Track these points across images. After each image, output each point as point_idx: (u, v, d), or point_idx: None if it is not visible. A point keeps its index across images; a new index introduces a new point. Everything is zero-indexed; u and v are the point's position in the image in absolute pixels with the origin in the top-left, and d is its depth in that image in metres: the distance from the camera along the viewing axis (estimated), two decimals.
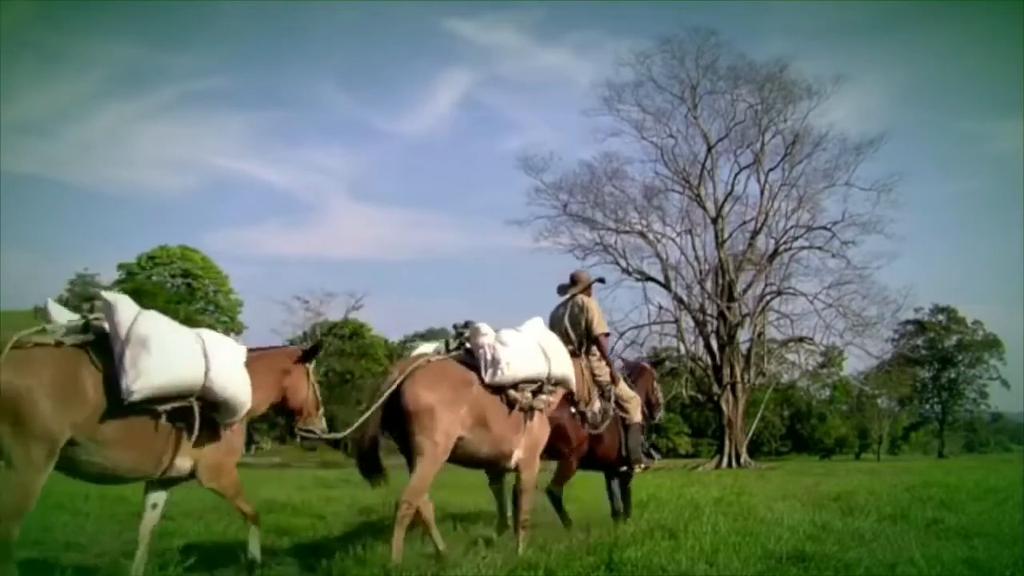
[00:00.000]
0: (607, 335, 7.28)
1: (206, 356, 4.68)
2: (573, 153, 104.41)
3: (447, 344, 5.96)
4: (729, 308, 37.03)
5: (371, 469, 5.61)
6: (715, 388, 37.06)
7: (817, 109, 37.53)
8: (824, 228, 37.84)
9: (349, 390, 44.11)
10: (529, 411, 5.88)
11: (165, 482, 5.01)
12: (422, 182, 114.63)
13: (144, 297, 53.46)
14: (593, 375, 6.97)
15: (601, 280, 8.08)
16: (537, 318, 6.53)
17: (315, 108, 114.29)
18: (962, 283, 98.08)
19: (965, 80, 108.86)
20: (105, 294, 4.69)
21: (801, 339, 38.65)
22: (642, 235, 38.67)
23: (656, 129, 38.81)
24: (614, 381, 7.16)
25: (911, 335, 59.50)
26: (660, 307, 38.35)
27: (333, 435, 5.85)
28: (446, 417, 5.37)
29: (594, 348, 7.06)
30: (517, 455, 5.91)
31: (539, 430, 6.04)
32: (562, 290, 7.35)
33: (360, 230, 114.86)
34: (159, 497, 5.11)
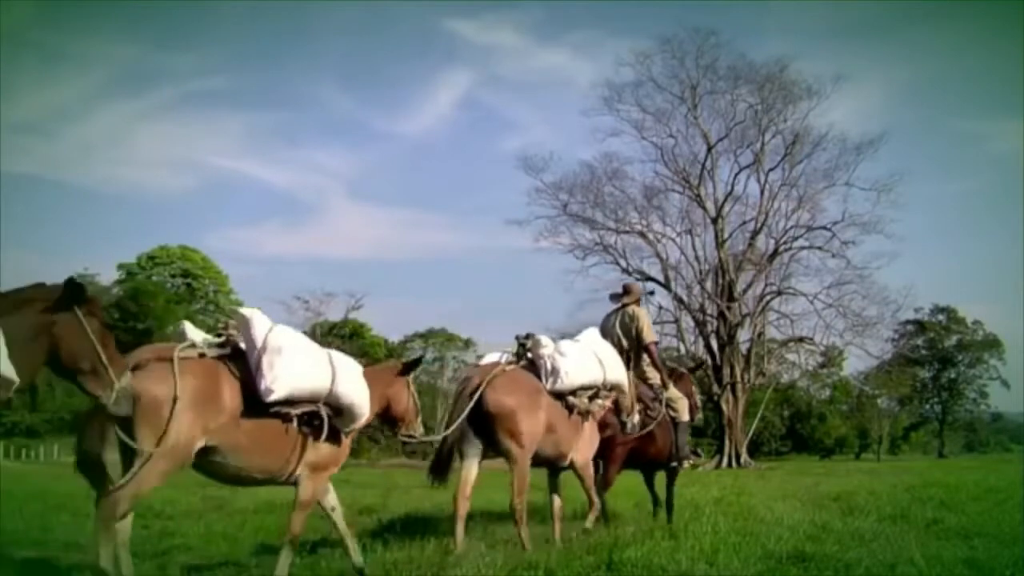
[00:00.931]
0: (656, 343, 7.91)
1: (332, 365, 5.01)
2: (573, 153, 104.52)
3: (517, 354, 6.46)
4: (729, 308, 37.04)
5: (441, 471, 6.20)
6: (715, 388, 37.06)
7: (817, 109, 37.67)
8: (824, 228, 37.91)
9: None
10: (584, 415, 6.42)
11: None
12: (422, 182, 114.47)
13: (144, 297, 53.58)
14: (645, 380, 7.55)
15: (651, 293, 8.72)
16: (592, 328, 7.16)
17: (315, 108, 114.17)
18: (962, 283, 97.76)
19: (965, 80, 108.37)
20: (242, 309, 5.00)
21: (801, 339, 38.69)
22: (642, 235, 38.73)
23: (656, 129, 38.93)
24: (664, 385, 7.70)
25: (911, 335, 59.49)
26: (660, 307, 38.36)
27: (431, 437, 6.15)
28: (528, 420, 5.94)
29: (644, 355, 7.66)
30: (572, 456, 6.48)
31: (591, 433, 6.62)
32: (614, 299, 8.02)
33: (360, 230, 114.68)
34: (332, 500, 5.45)
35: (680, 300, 38.13)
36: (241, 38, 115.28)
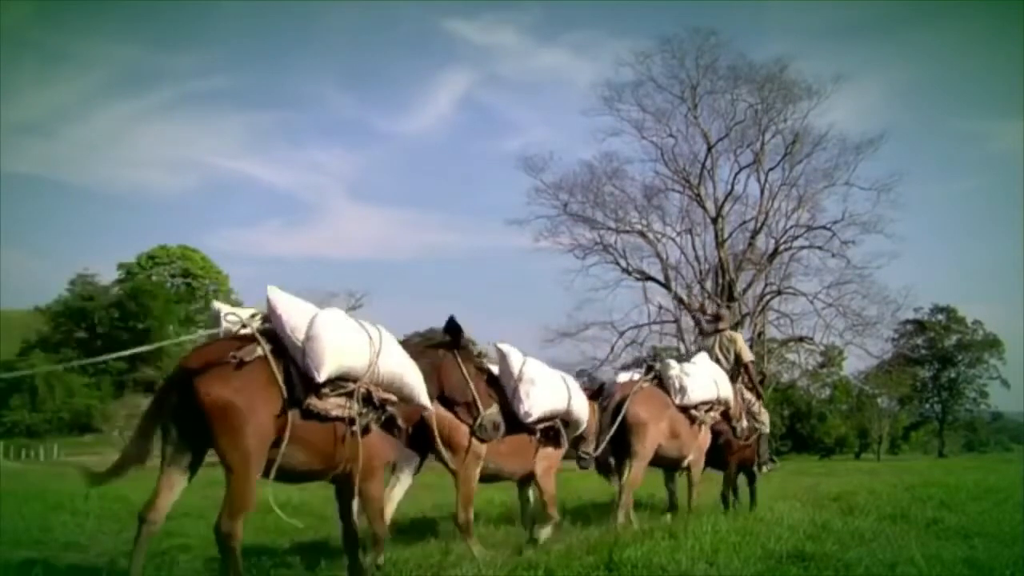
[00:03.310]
0: (753, 362, 9.33)
1: (567, 387, 6.18)
2: (573, 153, 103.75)
3: (648, 372, 7.69)
4: (729, 308, 37.00)
5: (609, 468, 7.28)
6: None
7: (817, 109, 37.53)
8: (824, 228, 37.84)
9: None
10: (700, 424, 7.71)
11: (524, 480, 6.38)
12: (422, 182, 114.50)
13: (144, 297, 53.53)
14: (743, 396, 8.66)
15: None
16: (703, 353, 8.63)
17: (315, 108, 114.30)
18: (962, 283, 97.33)
19: (965, 80, 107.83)
20: (499, 345, 6.03)
21: (801, 339, 38.66)
22: (642, 235, 38.70)
23: (656, 129, 38.86)
24: (760, 398, 9.04)
25: (911, 335, 59.44)
26: (660, 307, 38.39)
27: (595, 454, 6.90)
28: (654, 430, 7.15)
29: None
30: (690, 458, 7.70)
31: (704, 439, 7.87)
32: (710, 323, 9.75)
33: (360, 230, 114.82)
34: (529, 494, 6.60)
35: (680, 300, 38.11)
36: (241, 38, 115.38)
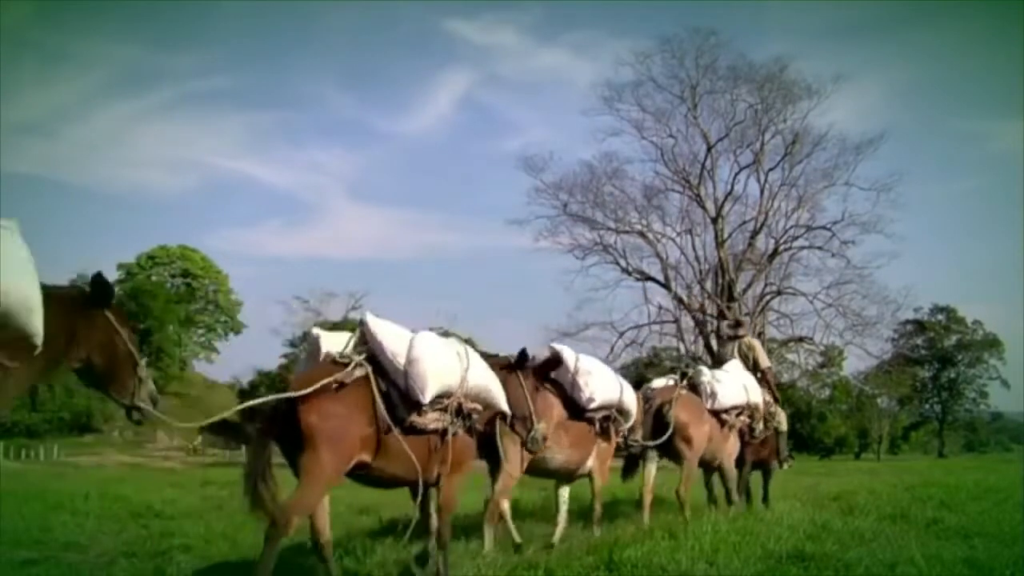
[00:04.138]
0: (770, 368, 9.71)
1: (619, 380, 6.70)
2: (573, 153, 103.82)
3: (683, 380, 8.04)
4: (729, 308, 36.99)
5: (632, 470, 7.70)
6: None
7: (817, 109, 37.56)
8: (824, 228, 37.87)
9: None
10: (729, 428, 8.11)
11: (571, 476, 6.65)
12: (422, 182, 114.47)
13: (144, 297, 53.46)
14: (764, 400, 9.01)
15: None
16: (735, 359, 9.15)
17: (315, 108, 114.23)
18: (962, 283, 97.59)
19: (965, 80, 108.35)
20: (555, 345, 6.52)
21: (801, 339, 38.69)
22: (642, 235, 38.70)
23: (656, 129, 38.88)
24: (776, 401, 9.41)
25: (911, 335, 59.48)
26: (660, 307, 38.41)
27: (646, 444, 7.28)
28: (698, 432, 7.56)
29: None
30: (721, 460, 8.13)
31: (733, 443, 8.29)
32: (731, 329, 10.34)
33: (360, 230, 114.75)
34: (567, 491, 6.82)
35: (680, 300, 38.12)
36: (241, 38, 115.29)
